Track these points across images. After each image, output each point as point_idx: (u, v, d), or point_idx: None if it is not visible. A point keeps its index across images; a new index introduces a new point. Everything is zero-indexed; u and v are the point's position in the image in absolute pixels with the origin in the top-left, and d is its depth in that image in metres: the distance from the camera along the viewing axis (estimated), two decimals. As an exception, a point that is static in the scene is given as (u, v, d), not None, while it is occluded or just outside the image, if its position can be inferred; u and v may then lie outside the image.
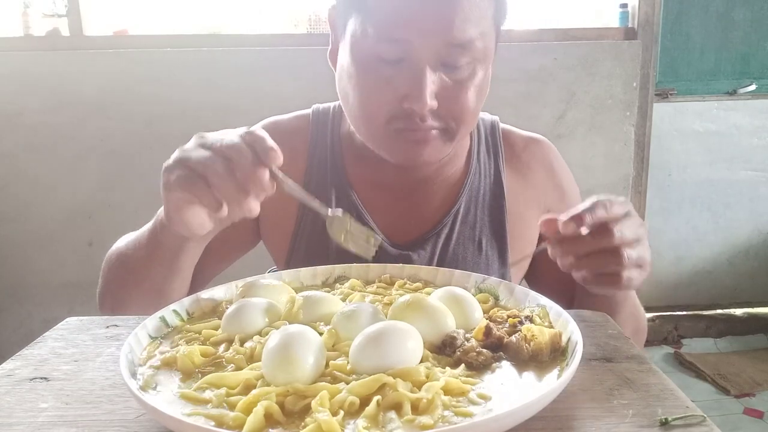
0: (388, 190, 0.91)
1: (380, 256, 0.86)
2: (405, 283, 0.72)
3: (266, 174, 0.60)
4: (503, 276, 0.90)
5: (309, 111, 0.98)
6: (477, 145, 0.95)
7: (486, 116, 1.00)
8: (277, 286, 0.67)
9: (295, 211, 0.91)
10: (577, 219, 0.63)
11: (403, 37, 0.75)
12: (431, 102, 0.76)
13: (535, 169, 0.96)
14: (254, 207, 0.62)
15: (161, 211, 0.72)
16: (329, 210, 0.68)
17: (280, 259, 0.94)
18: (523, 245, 0.93)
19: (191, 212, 0.63)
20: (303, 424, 0.43)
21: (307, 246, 0.90)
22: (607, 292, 0.72)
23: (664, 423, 0.46)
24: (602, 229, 0.64)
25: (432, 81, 0.76)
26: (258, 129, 0.63)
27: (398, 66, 0.76)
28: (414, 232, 0.90)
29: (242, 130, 0.62)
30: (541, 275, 0.96)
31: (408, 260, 0.86)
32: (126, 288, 0.83)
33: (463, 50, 0.76)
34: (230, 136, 0.62)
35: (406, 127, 0.79)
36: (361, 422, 0.42)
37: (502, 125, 0.99)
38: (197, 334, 0.59)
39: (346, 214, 0.68)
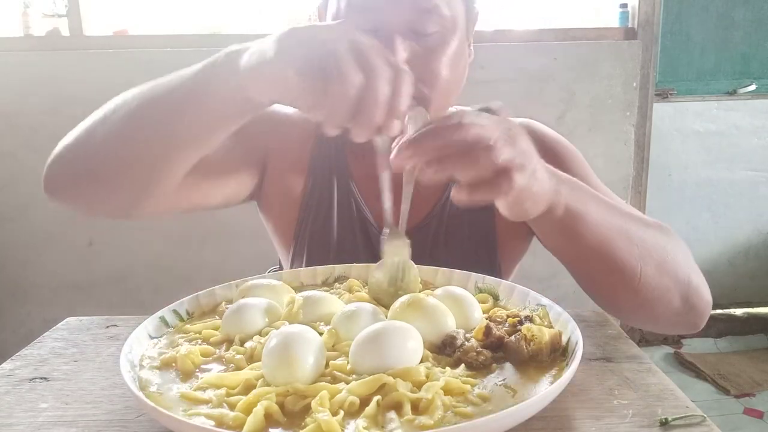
0: None
1: (376, 246, 0.88)
2: None
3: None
4: (493, 259, 0.91)
5: None
6: None
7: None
8: (277, 286, 0.67)
9: (299, 198, 0.93)
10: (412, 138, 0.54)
11: (373, 5, 0.78)
12: (404, 67, 0.76)
13: None
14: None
15: (228, 59, 0.59)
16: (397, 229, 0.65)
17: (285, 247, 0.96)
18: (511, 226, 0.93)
19: (284, 86, 0.53)
20: (303, 424, 0.43)
21: (311, 235, 0.92)
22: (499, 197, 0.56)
23: (664, 423, 0.46)
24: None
25: (403, 48, 0.78)
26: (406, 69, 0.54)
27: (372, 36, 0.78)
28: (408, 222, 0.91)
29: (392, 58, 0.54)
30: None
31: None
32: (117, 146, 0.67)
33: (430, 15, 0.78)
34: (389, 66, 0.53)
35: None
36: (361, 422, 0.42)
37: None
38: (197, 334, 0.59)
39: (407, 247, 0.65)
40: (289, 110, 0.97)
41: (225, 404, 0.46)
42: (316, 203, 0.93)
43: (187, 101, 0.62)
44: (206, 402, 0.47)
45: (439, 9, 0.79)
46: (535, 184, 0.57)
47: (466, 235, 0.91)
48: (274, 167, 0.93)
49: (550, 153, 0.91)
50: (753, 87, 2.63)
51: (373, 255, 0.78)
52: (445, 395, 0.46)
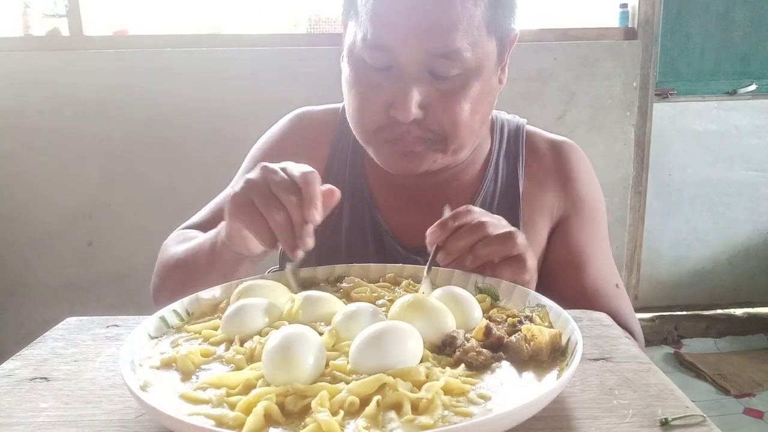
0: (403, 193, 0.90)
1: (389, 258, 0.87)
2: (410, 284, 0.72)
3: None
4: None
5: (339, 105, 0.98)
6: (497, 149, 0.93)
7: (513, 119, 0.98)
8: (277, 286, 0.67)
9: None
10: (440, 225, 0.68)
11: (388, 45, 0.75)
12: (415, 111, 0.75)
13: (552, 174, 0.92)
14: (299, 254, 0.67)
15: (222, 228, 0.75)
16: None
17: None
18: (531, 241, 0.92)
19: (251, 240, 0.70)
20: (303, 424, 0.43)
21: (319, 243, 0.90)
22: (519, 276, 0.70)
23: (664, 423, 0.46)
24: (476, 224, 0.68)
25: (418, 91, 0.75)
26: (315, 183, 0.65)
27: (387, 73, 0.77)
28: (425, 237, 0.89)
29: (303, 176, 0.65)
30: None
31: (415, 264, 0.85)
32: (184, 291, 0.84)
33: (451, 61, 0.75)
34: (289, 184, 0.65)
35: (391, 137, 0.79)
36: (361, 422, 0.42)
37: (528, 128, 0.97)
38: (197, 334, 0.59)
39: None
40: (301, 124, 0.98)
41: (225, 404, 0.46)
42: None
43: (211, 260, 0.79)
44: (206, 402, 0.47)
45: (461, 53, 0.74)
46: (534, 273, 0.71)
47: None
48: None
49: (572, 192, 0.91)
50: (753, 87, 2.63)
51: (384, 262, 0.78)
52: (445, 395, 0.46)
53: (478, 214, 0.69)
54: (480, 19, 0.75)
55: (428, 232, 0.69)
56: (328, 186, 0.69)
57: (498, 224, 0.69)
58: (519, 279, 0.68)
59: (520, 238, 0.68)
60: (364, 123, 0.81)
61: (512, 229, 0.68)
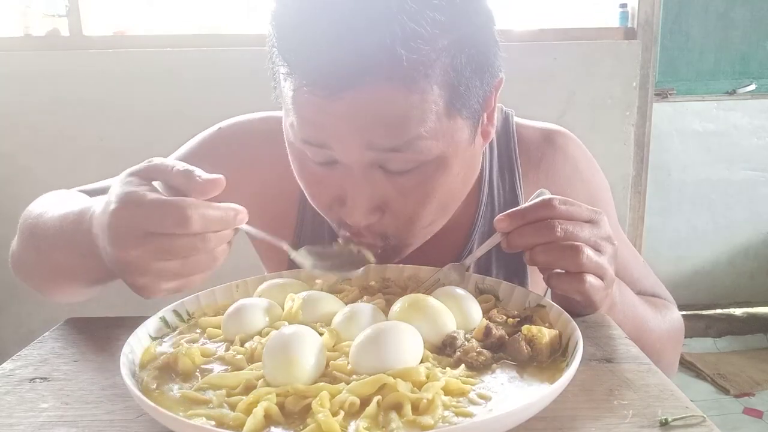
0: None
1: None
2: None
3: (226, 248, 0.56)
4: None
5: (280, 113, 0.86)
6: (488, 169, 0.82)
7: (499, 115, 0.85)
8: (295, 284, 0.68)
9: (293, 230, 0.84)
10: (513, 215, 0.61)
11: (326, 143, 0.61)
12: (369, 218, 0.63)
13: (555, 180, 0.83)
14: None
15: (94, 217, 0.61)
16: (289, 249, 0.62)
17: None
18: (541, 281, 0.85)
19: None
20: (303, 424, 0.43)
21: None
22: (571, 295, 0.63)
23: (664, 423, 0.46)
24: (545, 224, 0.60)
25: (370, 193, 0.62)
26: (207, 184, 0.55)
27: (331, 167, 0.64)
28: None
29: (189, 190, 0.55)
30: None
31: None
32: (35, 259, 0.78)
33: (404, 153, 0.60)
34: (172, 207, 0.53)
35: (346, 230, 0.68)
36: (361, 423, 0.42)
37: (516, 124, 0.85)
38: (198, 335, 0.60)
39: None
40: (234, 140, 0.90)
41: (225, 404, 0.46)
42: (309, 235, 0.82)
43: (68, 242, 0.67)
44: (206, 402, 0.47)
45: (414, 144, 0.59)
46: (600, 293, 0.62)
47: (496, 276, 0.80)
48: (264, 213, 0.78)
49: (577, 182, 0.84)
50: (752, 87, 2.63)
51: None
52: (445, 395, 0.46)
53: (557, 211, 0.60)
54: (433, 101, 0.59)
55: (497, 218, 0.61)
56: (206, 177, 0.56)
57: (573, 230, 0.59)
58: (571, 301, 0.62)
59: (591, 257, 0.59)
60: (321, 211, 0.71)
61: (580, 244, 0.59)
